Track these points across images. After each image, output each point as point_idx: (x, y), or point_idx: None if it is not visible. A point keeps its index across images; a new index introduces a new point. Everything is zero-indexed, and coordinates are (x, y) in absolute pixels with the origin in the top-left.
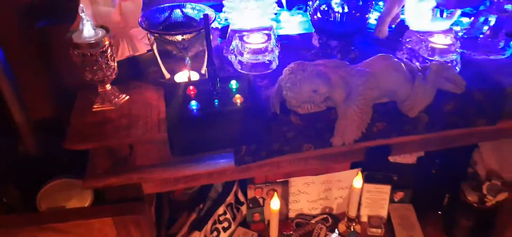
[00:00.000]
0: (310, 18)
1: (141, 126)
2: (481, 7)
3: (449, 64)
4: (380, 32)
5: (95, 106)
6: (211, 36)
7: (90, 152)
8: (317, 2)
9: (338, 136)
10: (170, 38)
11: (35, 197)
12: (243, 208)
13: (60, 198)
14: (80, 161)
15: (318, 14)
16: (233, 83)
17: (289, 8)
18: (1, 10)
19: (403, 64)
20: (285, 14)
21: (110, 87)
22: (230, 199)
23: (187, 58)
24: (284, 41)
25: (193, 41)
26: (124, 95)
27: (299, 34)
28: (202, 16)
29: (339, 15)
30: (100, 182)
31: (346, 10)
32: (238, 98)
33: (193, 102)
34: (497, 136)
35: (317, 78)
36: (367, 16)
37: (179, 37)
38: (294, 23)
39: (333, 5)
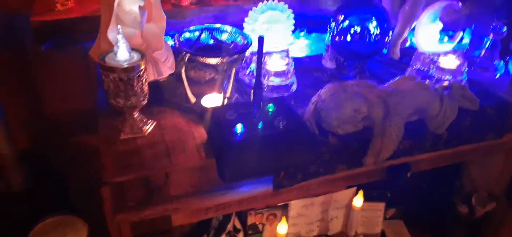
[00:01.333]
0: (330, 39)
1: (180, 152)
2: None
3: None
4: (394, 53)
5: (123, 134)
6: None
7: (117, 183)
8: (344, 22)
9: (372, 155)
10: (204, 61)
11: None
12: (240, 236)
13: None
14: (65, 196)
15: (349, 37)
16: (270, 106)
17: (293, 31)
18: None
19: (427, 84)
20: (290, 37)
21: (138, 113)
22: (230, 227)
23: (225, 82)
24: (295, 63)
25: (229, 64)
26: (151, 121)
27: (308, 56)
28: (236, 40)
29: (374, 36)
30: (134, 216)
31: (378, 31)
32: (280, 121)
33: (239, 126)
34: (502, 150)
35: (357, 98)
36: (386, 39)
37: (213, 61)
38: (300, 46)
39: (370, 27)
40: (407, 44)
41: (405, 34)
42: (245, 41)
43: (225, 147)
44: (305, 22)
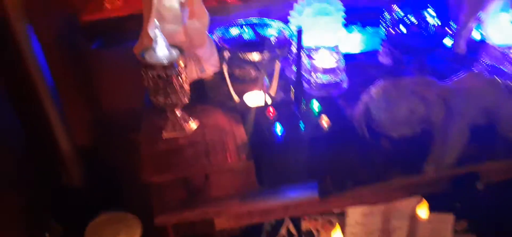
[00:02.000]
0: (385, 31)
1: (220, 153)
2: None
3: None
4: (459, 47)
5: (165, 133)
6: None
7: (157, 183)
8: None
9: (433, 162)
10: (244, 57)
11: (81, 232)
12: None
13: (108, 232)
14: (121, 193)
15: (404, 28)
16: (315, 105)
17: (346, 25)
18: (54, 35)
19: (499, 81)
20: (342, 32)
21: (180, 111)
22: (283, 231)
23: (266, 78)
24: (347, 60)
25: (271, 60)
26: (194, 120)
27: (362, 52)
28: (279, 34)
29: (432, 27)
30: (174, 217)
31: (437, 22)
32: (324, 121)
33: (278, 126)
34: None
35: (413, 97)
36: (447, 28)
37: (254, 57)
38: (353, 41)
39: (427, 17)
40: (476, 37)
41: (472, 25)
42: (288, 36)
43: (262, 149)
44: (360, 15)
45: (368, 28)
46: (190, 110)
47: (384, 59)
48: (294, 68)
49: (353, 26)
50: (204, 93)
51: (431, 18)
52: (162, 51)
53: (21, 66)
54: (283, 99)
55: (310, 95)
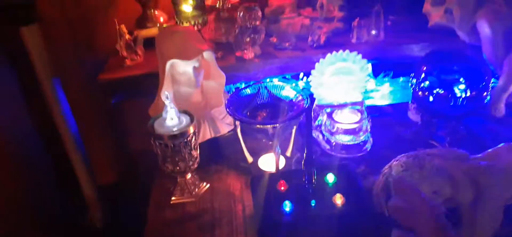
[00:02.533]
0: (412, 93)
1: (226, 225)
2: None
3: None
4: (497, 110)
5: (174, 198)
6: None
7: None
8: (425, 81)
9: None
10: (260, 126)
11: None
12: None
13: None
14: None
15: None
16: (330, 177)
17: (375, 75)
18: (77, 89)
19: None
20: (371, 82)
21: (190, 176)
22: None
23: (277, 147)
24: (374, 113)
25: (284, 128)
26: (204, 184)
27: (391, 105)
28: (294, 98)
29: (460, 100)
30: None
31: (468, 94)
32: (338, 198)
33: (287, 204)
34: None
35: (438, 177)
36: (484, 95)
37: (269, 126)
38: (382, 93)
39: (456, 91)
40: None
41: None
42: (304, 102)
43: (269, 228)
44: (391, 65)
45: (400, 79)
46: (202, 170)
47: (413, 116)
48: (316, 124)
49: (384, 77)
50: (218, 151)
51: (460, 90)
52: (172, 120)
53: (48, 113)
54: (296, 170)
55: (329, 159)
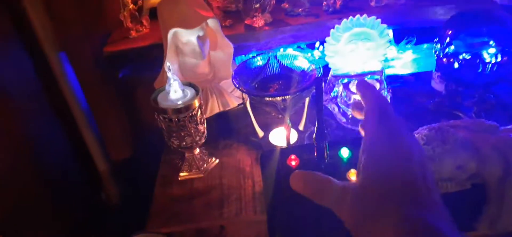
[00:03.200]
0: (436, 60)
1: (234, 202)
2: None
3: None
4: None
5: (182, 174)
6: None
7: None
8: (450, 46)
9: (487, 223)
10: (268, 98)
11: None
12: None
13: None
14: None
15: (458, 63)
16: (344, 152)
17: (397, 42)
18: (85, 63)
19: None
20: (392, 50)
21: (198, 151)
22: None
23: (288, 120)
24: (395, 83)
25: (295, 100)
26: (213, 159)
27: (413, 74)
28: (306, 69)
29: (490, 66)
30: None
31: (499, 59)
32: (353, 174)
33: None
34: None
35: (462, 151)
36: None
37: (278, 98)
38: (404, 61)
39: (485, 55)
40: None
41: None
42: (315, 72)
43: (275, 206)
44: (414, 30)
45: (424, 46)
46: (211, 145)
47: (437, 86)
48: (332, 95)
49: (406, 44)
50: (228, 125)
51: (489, 55)
52: (175, 93)
53: (57, 90)
54: (308, 145)
55: (344, 133)
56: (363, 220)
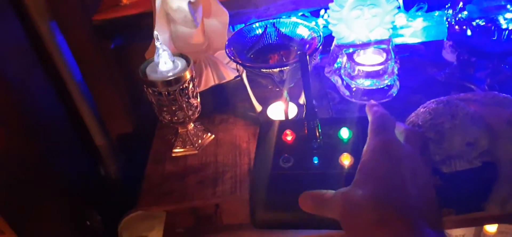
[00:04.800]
0: (447, 27)
1: (229, 180)
2: None
3: None
4: None
5: (175, 150)
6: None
7: None
8: (462, 11)
9: (496, 203)
10: (265, 70)
11: (117, 224)
12: None
13: (142, 227)
14: None
15: (471, 30)
16: (344, 132)
17: (407, 9)
18: (78, 33)
19: None
20: (402, 17)
21: (192, 126)
22: None
23: (286, 93)
24: (403, 53)
25: (294, 71)
26: (208, 135)
27: (423, 43)
28: (306, 37)
29: (507, 33)
30: None
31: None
32: (345, 158)
33: (285, 158)
34: None
35: (473, 127)
36: None
37: (275, 70)
38: (414, 29)
39: (501, 21)
40: None
41: None
42: (318, 40)
43: (259, 183)
44: None
45: (435, 13)
46: (206, 119)
47: (449, 55)
48: (336, 66)
49: (417, 11)
50: (224, 99)
51: (505, 21)
52: (165, 64)
53: (51, 62)
54: (317, 108)
55: (348, 107)
56: (350, 222)
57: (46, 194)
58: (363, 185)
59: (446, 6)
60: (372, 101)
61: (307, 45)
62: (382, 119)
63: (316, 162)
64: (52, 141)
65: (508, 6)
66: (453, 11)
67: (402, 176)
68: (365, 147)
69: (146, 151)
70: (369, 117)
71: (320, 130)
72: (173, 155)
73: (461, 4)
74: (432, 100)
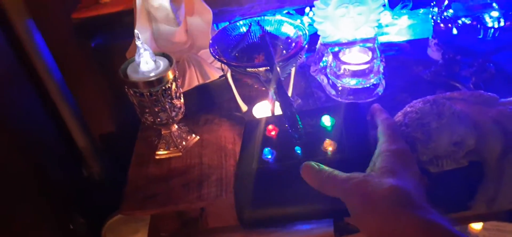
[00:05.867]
0: (433, 25)
1: (215, 182)
2: None
3: None
4: None
5: (159, 152)
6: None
7: None
8: (448, 9)
9: (483, 202)
10: (250, 69)
11: (101, 227)
12: None
13: (126, 230)
14: None
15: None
16: (326, 120)
17: (392, 6)
18: (57, 31)
19: None
20: (387, 15)
21: (176, 127)
22: None
23: (272, 92)
24: (388, 51)
25: (283, 67)
26: (193, 136)
27: (408, 41)
28: (292, 35)
29: (492, 31)
30: None
31: (501, 24)
32: (328, 145)
33: (267, 150)
34: None
35: (460, 126)
36: None
37: (261, 69)
38: (399, 27)
39: (487, 19)
40: None
41: None
42: (303, 39)
43: (241, 179)
44: None
45: (420, 11)
46: (191, 120)
47: (434, 54)
48: (322, 65)
49: (402, 9)
50: (209, 99)
51: (491, 19)
52: (147, 64)
53: (29, 63)
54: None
55: (335, 103)
56: (372, 210)
57: (28, 197)
58: (388, 177)
59: (432, 3)
60: (377, 106)
61: (293, 44)
62: (394, 128)
63: (299, 151)
64: (33, 143)
65: (494, 4)
66: (438, 9)
67: (417, 178)
68: (383, 147)
69: (130, 151)
70: (379, 123)
71: (299, 119)
72: (157, 157)
73: (446, 1)
74: (418, 99)
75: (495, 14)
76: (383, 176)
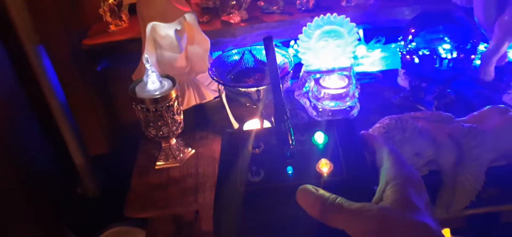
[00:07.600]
0: (400, 57)
1: (209, 189)
2: None
3: None
4: (486, 74)
5: (158, 163)
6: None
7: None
8: (412, 42)
9: (442, 206)
10: (243, 89)
11: None
12: None
13: None
14: None
15: (419, 58)
16: (319, 137)
17: (367, 41)
18: (65, 56)
19: None
20: (362, 49)
21: (175, 141)
22: None
23: (262, 110)
24: (363, 79)
25: (269, 92)
26: (189, 149)
27: (381, 71)
28: (279, 63)
29: (446, 61)
30: None
31: (454, 55)
32: (323, 165)
33: (254, 171)
34: None
35: (420, 139)
36: (472, 58)
37: (253, 89)
38: (373, 59)
39: (441, 51)
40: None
41: (503, 50)
42: (288, 66)
43: (222, 202)
44: (383, 30)
45: (392, 45)
46: (187, 136)
47: (403, 82)
48: (304, 90)
49: (376, 43)
50: (204, 117)
51: (444, 51)
52: (153, 84)
53: (34, 83)
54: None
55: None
56: None
57: (21, 213)
58: (412, 213)
59: (399, 38)
60: (368, 134)
61: (280, 70)
62: (397, 152)
63: (290, 172)
64: (30, 158)
65: (446, 39)
66: (404, 43)
67: (429, 208)
68: (392, 172)
69: (124, 172)
70: (379, 147)
71: (293, 134)
72: (157, 167)
73: (410, 36)
74: (387, 117)
75: (447, 46)
76: (405, 211)
